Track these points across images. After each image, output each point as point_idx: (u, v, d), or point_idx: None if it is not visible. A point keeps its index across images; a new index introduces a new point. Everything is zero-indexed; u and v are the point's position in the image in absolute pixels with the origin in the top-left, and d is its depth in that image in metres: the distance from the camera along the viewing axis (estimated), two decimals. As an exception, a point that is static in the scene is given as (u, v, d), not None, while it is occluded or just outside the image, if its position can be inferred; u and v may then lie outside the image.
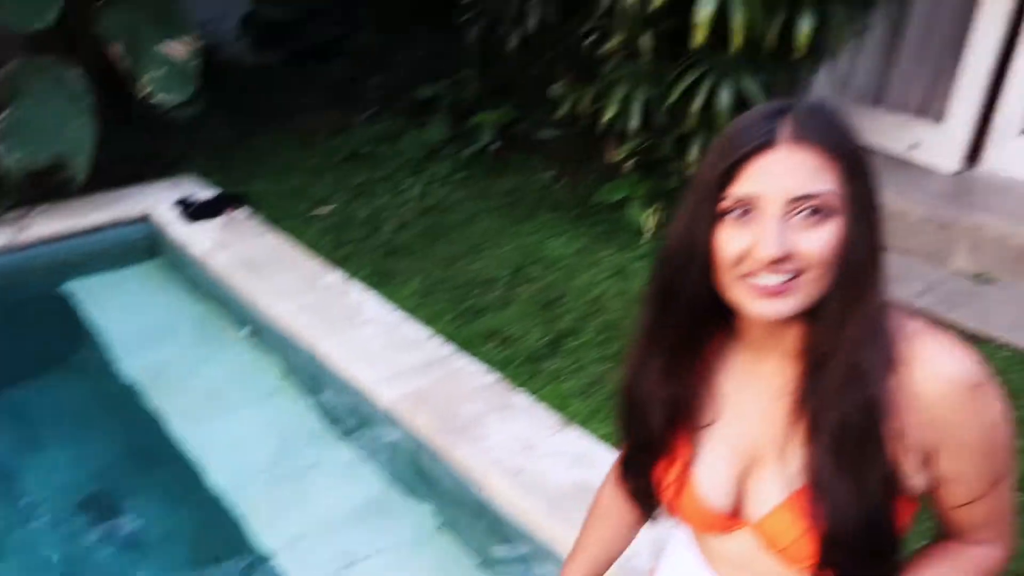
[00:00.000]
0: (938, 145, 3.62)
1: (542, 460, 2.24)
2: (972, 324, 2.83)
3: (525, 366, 2.71)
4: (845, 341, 0.83)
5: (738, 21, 2.82)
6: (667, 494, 1.00)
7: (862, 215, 0.81)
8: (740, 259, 0.81)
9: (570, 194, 4.01)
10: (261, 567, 2.24)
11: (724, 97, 3.01)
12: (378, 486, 2.49)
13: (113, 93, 3.93)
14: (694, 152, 3.23)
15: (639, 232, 3.53)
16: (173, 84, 3.94)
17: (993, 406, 0.84)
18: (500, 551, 2.17)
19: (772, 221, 0.79)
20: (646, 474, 1.03)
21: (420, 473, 2.44)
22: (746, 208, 0.81)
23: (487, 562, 2.21)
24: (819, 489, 0.86)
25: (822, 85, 3.91)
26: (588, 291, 3.15)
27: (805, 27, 2.89)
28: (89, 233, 3.77)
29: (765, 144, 0.80)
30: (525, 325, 2.95)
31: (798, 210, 0.79)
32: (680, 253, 0.88)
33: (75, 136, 3.71)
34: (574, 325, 2.94)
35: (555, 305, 3.08)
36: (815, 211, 0.79)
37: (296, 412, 2.82)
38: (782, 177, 0.79)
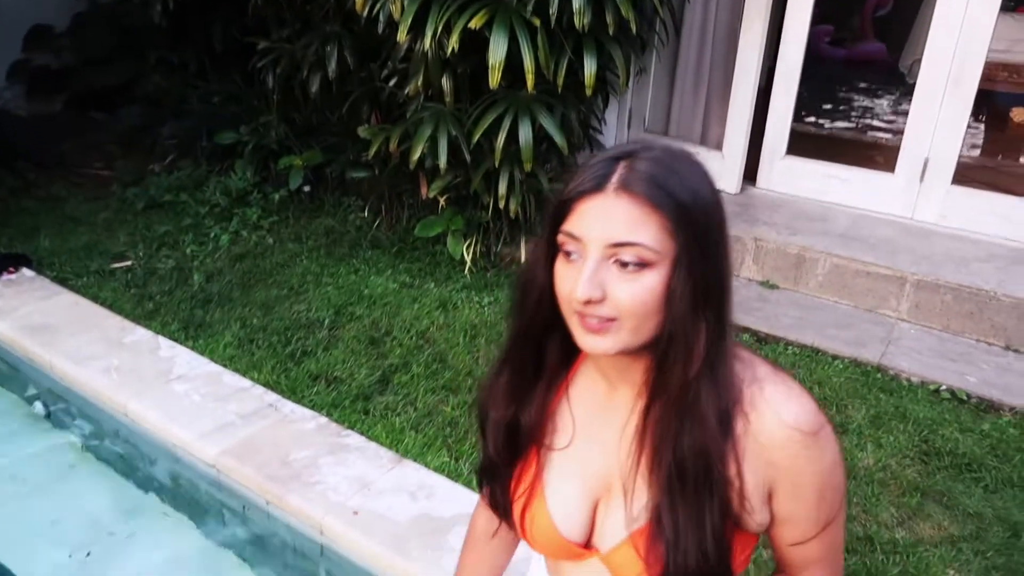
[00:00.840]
0: (720, 169, 4.00)
1: (380, 498, 2.21)
2: (764, 327, 3.14)
3: (356, 405, 2.67)
4: (678, 384, 0.83)
5: (528, 63, 3.00)
6: (516, 512, 1.00)
7: (690, 268, 0.80)
8: (570, 295, 0.82)
9: (388, 231, 4.02)
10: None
11: (524, 133, 3.17)
12: (210, 548, 2.33)
13: None
14: (503, 186, 3.36)
15: (461, 263, 3.60)
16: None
17: (828, 452, 0.86)
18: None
19: (589, 263, 0.80)
20: (502, 488, 1.02)
21: (252, 528, 2.32)
22: (574, 247, 0.82)
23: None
24: (658, 529, 0.86)
25: (615, 119, 4.22)
26: (414, 325, 3.17)
27: (590, 67, 3.12)
28: None
29: (595, 188, 0.80)
30: (353, 364, 2.91)
31: (615, 257, 0.80)
32: (527, 279, 0.90)
33: None
34: (403, 360, 2.94)
35: (382, 342, 3.07)
36: (633, 262, 0.79)
37: (107, 485, 2.57)
38: (604, 222, 0.80)
